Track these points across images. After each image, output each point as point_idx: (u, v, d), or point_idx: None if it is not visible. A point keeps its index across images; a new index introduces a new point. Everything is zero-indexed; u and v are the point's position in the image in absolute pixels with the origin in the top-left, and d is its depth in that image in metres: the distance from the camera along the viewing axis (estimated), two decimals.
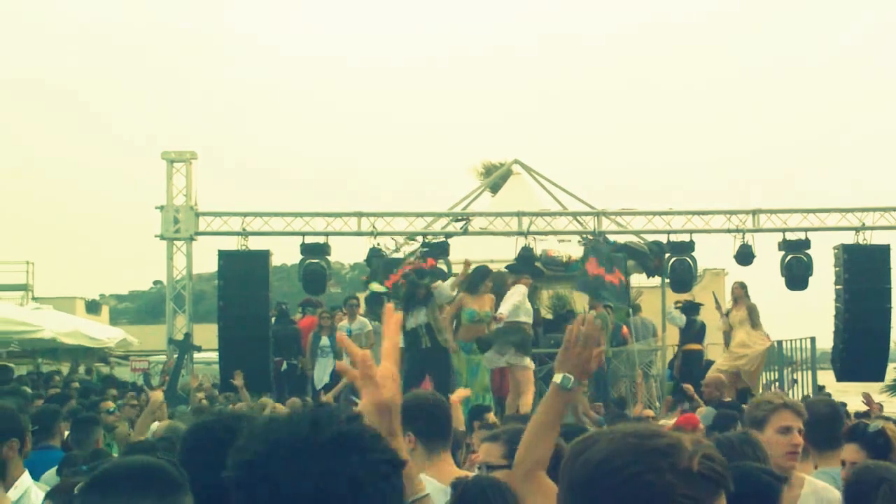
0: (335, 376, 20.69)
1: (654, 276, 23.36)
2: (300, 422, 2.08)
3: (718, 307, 21.44)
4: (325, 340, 21.49)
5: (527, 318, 17.64)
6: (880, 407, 16.27)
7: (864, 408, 14.11)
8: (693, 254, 22.71)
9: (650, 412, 16.34)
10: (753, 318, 20.84)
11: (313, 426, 2.06)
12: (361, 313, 21.12)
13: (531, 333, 18.26)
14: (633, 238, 23.16)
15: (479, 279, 18.33)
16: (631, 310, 22.75)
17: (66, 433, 10.08)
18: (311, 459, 2.01)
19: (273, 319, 22.40)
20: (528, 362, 17.39)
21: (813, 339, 24.00)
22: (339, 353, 20.34)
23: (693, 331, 22.30)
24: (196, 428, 3.75)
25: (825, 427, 6.77)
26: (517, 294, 17.44)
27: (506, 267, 19.63)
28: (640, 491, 2.28)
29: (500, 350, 17.12)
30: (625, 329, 22.54)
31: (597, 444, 2.37)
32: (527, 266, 19.82)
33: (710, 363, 21.77)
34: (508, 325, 17.14)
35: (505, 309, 17.15)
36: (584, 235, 22.87)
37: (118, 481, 2.64)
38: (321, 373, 21.01)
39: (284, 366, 21.83)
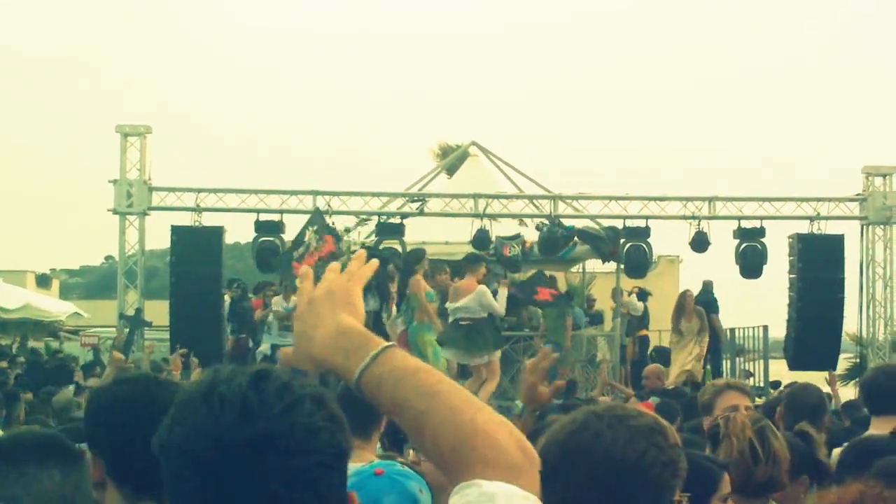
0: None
1: (609, 262, 23.39)
2: (227, 406, 1.86)
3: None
4: (270, 317, 21.60)
5: (483, 311, 17.47)
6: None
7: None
8: (648, 240, 22.75)
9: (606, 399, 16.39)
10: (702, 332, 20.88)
11: (240, 414, 1.85)
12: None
13: (490, 325, 18.10)
14: (589, 223, 23.20)
15: (413, 263, 18.29)
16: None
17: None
18: (227, 461, 1.84)
19: (230, 297, 22.33)
20: (490, 356, 17.19)
21: (766, 328, 24.12)
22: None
23: (646, 318, 22.47)
24: (98, 391, 3.66)
25: (811, 413, 6.81)
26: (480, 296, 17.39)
27: (463, 259, 19.40)
28: (646, 470, 2.36)
29: (455, 353, 17.09)
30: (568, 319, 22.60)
31: (599, 435, 2.38)
32: (478, 259, 19.61)
33: (662, 349, 21.96)
34: (458, 325, 17.06)
35: (457, 304, 17.06)
36: (540, 220, 22.85)
37: (15, 453, 2.57)
38: (262, 349, 21.09)
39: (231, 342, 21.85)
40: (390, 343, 2.20)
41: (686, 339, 20.59)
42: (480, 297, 16.98)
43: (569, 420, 2.51)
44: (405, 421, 2.12)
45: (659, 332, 23.69)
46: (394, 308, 19.23)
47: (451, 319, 17.21)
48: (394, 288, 19.39)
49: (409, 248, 20.99)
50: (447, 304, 17.43)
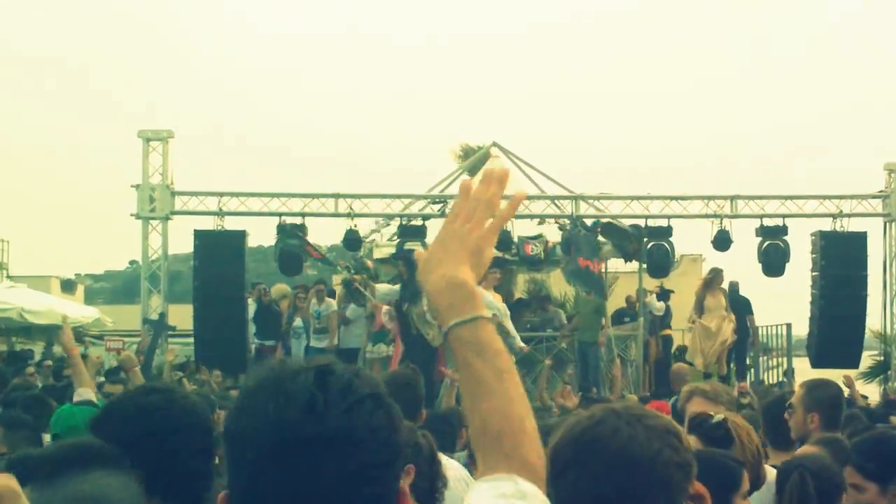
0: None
1: (631, 261, 23.37)
2: (293, 402, 1.95)
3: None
4: (298, 321, 21.74)
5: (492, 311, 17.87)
6: (864, 398, 16.35)
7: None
8: (671, 239, 22.72)
9: (634, 397, 16.43)
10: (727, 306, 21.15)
11: (306, 411, 1.95)
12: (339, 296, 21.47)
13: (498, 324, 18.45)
14: (611, 221, 23.16)
15: None
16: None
17: None
18: (292, 455, 1.93)
19: (256, 302, 22.43)
20: None
21: (789, 326, 24.10)
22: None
23: (668, 317, 22.47)
24: (110, 405, 3.78)
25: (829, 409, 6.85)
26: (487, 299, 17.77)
27: None
28: (663, 468, 2.38)
29: None
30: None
31: (617, 431, 2.39)
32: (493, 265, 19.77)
33: (685, 349, 22.00)
34: None
35: None
36: (562, 221, 22.84)
37: (88, 457, 2.60)
38: (295, 354, 21.10)
39: (256, 346, 21.97)
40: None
41: (713, 315, 20.70)
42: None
43: (586, 415, 2.54)
44: (470, 386, 2.26)
45: (682, 332, 23.66)
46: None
47: None
48: None
49: None
50: None
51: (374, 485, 1.97)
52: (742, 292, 22.45)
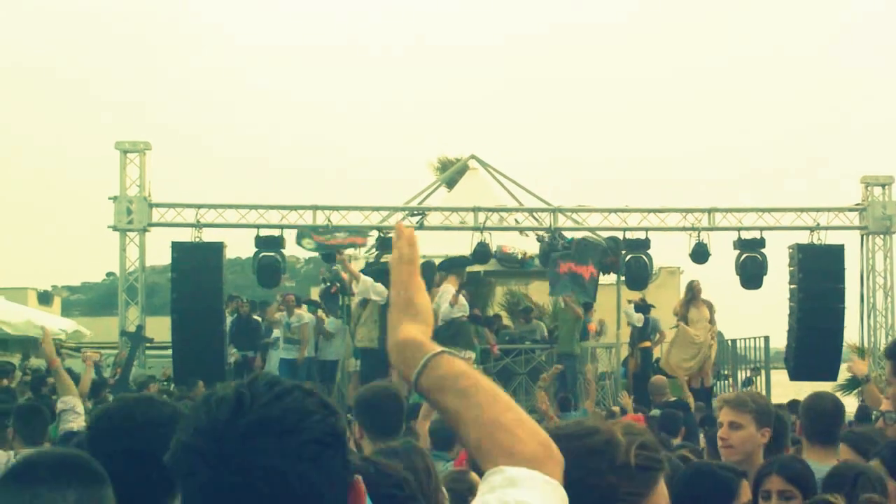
0: (287, 368, 20.86)
1: (609, 273, 23.39)
2: (223, 404, 1.99)
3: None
4: (276, 332, 21.76)
5: (461, 312, 18.09)
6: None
7: None
8: (649, 251, 22.79)
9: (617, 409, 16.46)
10: (712, 316, 21.29)
11: (235, 409, 1.97)
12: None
13: (468, 325, 18.68)
14: (588, 234, 23.21)
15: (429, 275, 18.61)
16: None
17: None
18: (228, 449, 1.94)
19: (234, 314, 22.43)
20: (467, 354, 17.59)
21: (767, 339, 24.13)
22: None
23: (647, 329, 22.49)
24: (98, 415, 3.76)
25: (823, 422, 6.85)
26: (447, 295, 17.87)
27: (439, 265, 19.62)
28: (584, 496, 2.28)
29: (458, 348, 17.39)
30: (591, 325, 22.64)
31: None
32: (458, 263, 19.88)
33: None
34: (443, 325, 17.56)
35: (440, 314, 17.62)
36: (540, 233, 22.87)
37: (38, 472, 2.59)
38: (271, 365, 21.18)
39: (236, 358, 21.94)
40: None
41: (697, 327, 20.78)
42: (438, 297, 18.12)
43: None
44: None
45: (661, 345, 23.68)
46: None
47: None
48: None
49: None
50: (447, 308, 18.10)
51: (315, 464, 1.97)
52: (720, 305, 22.51)
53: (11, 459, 7.09)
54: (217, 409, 1.98)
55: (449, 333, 17.60)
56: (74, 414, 8.89)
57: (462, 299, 18.58)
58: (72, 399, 9.08)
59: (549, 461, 2.19)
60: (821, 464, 6.16)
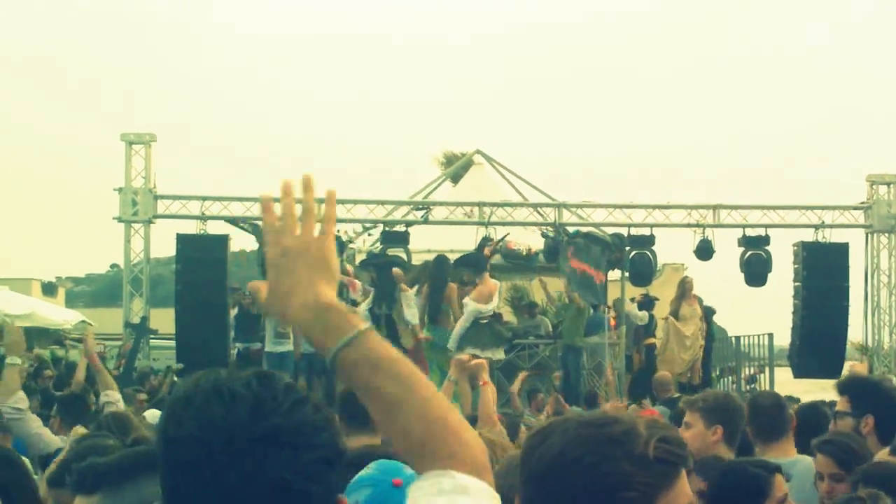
0: (275, 362, 20.86)
1: (613, 270, 23.35)
2: (240, 402, 1.97)
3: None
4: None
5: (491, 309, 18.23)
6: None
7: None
8: (653, 248, 22.75)
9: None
10: (707, 314, 21.37)
11: (254, 412, 1.96)
12: None
13: (494, 323, 18.67)
14: (593, 230, 23.15)
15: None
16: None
17: None
18: (242, 452, 1.93)
19: (237, 305, 22.42)
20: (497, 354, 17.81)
21: (770, 336, 24.09)
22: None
23: (651, 325, 22.49)
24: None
25: (766, 419, 6.82)
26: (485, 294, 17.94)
27: (455, 262, 19.61)
28: (597, 482, 2.28)
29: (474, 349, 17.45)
30: (612, 320, 22.60)
31: (552, 435, 2.36)
32: (480, 260, 19.87)
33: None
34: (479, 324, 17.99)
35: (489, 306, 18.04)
36: (545, 228, 22.85)
37: (128, 469, 2.59)
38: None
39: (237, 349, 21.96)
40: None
41: (689, 323, 20.85)
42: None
43: (540, 427, 2.54)
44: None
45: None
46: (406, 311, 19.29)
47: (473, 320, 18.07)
48: (410, 290, 19.48)
49: (413, 256, 21.16)
50: (479, 307, 17.99)
51: (318, 483, 1.99)
52: (724, 302, 22.58)
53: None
54: (232, 405, 1.97)
55: (479, 332, 17.79)
56: (115, 407, 9.13)
57: (495, 297, 18.68)
58: (114, 394, 9.50)
59: (489, 472, 2.18)
60: (779, 459, 6.18)
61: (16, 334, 9.45)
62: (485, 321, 17.91)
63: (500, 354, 18.67)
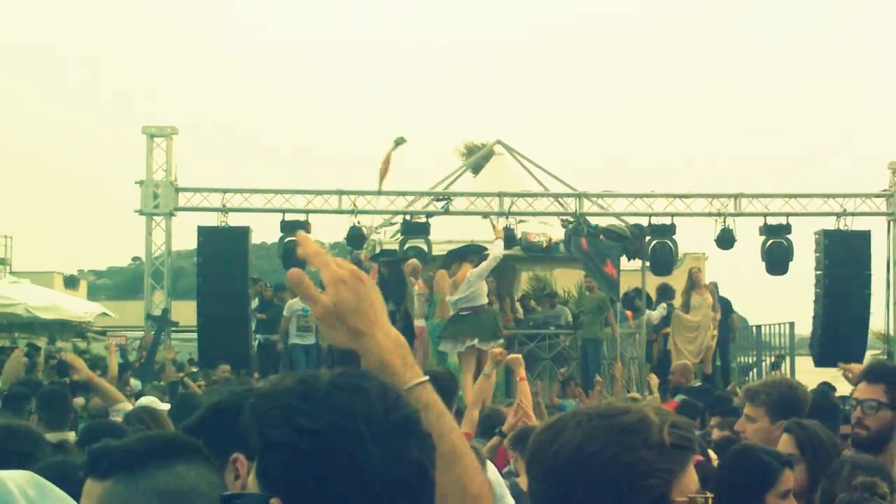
0: (302, 354, 20.91)
1: (634, 259, 23.32)
2: (372, 396, 2.04)
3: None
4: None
5: (483, 298, 17.94)
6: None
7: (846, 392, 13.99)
8: (674, 237, 22.69)
9: (636, 395, 16.44)
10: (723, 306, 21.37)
11: (384, 402, 2.04)
12: None
13: (492, 313, 18.49)
14: (614, 221, 23.13)
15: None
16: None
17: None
18: (384, 439, 1.99)
19: (258, 297, 22.49)
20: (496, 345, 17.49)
21: (792, 325, 24.04)
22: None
23: (670, 315, 22.50)
24: (211, 409, 3.88)
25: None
26: (469, 277, 17.72)
27: (448, 252, 19.54)
28: (620, 473, 2.29)
29: (456, 340, 17.38)
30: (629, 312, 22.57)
31: (565, 430, 2.37)
32: (468, 252, 19.76)
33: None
34: (462, 314, 17.52)
35: (456, 296, 17.44)
36: (566, 218, 22.81)
37: (164, 452, 2.57)
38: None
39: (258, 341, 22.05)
40: (421, 380, 2.37)
41: (697, 313, 20.81)
42: (474, 278, 17.62)
43: (548, 421, 2.56)
44: (440, 448, 2.29)
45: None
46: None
47: (452, 313, 17.72)
48: (422, 286, 19.47)
49: (434, 247, 21.13)
50: (448, 298, 17.79)
51: (434, 468, 2.09)
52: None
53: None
54: (370, 399, 2.03)
55: (471, 323, 17.53)
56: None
57: (484, 286, 18.33)
58: (124, 405, 9.18)
59: (488, 499, 2.32)
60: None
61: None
62: (466, 313, 17.69)
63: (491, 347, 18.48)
